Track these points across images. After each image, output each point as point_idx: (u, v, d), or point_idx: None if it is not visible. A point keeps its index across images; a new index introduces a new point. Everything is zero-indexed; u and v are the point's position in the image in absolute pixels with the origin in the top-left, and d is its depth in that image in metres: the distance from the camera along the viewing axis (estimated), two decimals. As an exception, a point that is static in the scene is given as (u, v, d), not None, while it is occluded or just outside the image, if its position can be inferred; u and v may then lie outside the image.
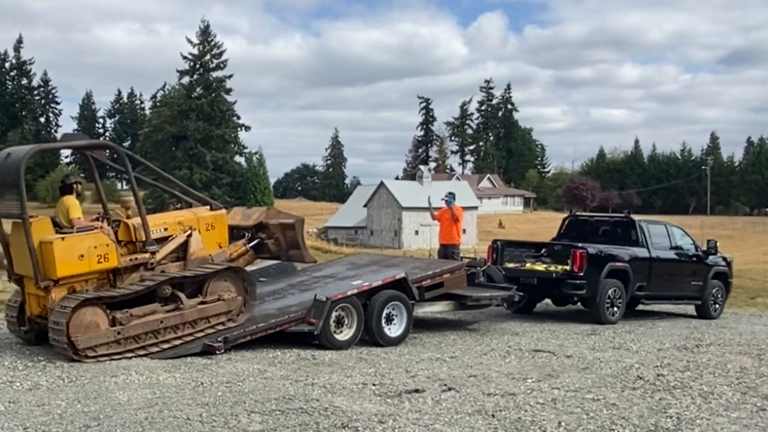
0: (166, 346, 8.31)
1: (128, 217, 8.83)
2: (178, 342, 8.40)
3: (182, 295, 8.53)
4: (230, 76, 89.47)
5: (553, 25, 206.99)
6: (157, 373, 7.32)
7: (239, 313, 8.92)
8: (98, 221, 8.70)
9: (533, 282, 12.82)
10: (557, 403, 6.58)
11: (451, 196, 14.11)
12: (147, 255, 8.62)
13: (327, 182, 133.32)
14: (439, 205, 14.47)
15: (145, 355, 8.11)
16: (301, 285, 10.64)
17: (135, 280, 8.49)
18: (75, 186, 8.82)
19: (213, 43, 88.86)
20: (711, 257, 14.61)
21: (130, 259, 8.52)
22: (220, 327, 8.74)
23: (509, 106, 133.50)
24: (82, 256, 8.01)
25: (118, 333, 8.01)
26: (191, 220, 9.33)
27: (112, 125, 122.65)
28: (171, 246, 8.91)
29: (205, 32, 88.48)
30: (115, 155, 9.71)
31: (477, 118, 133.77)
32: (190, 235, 9.10)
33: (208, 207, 9.78)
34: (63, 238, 8.02)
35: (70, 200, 8.60)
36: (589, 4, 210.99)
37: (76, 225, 8.30)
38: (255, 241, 10.23)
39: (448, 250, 13.61)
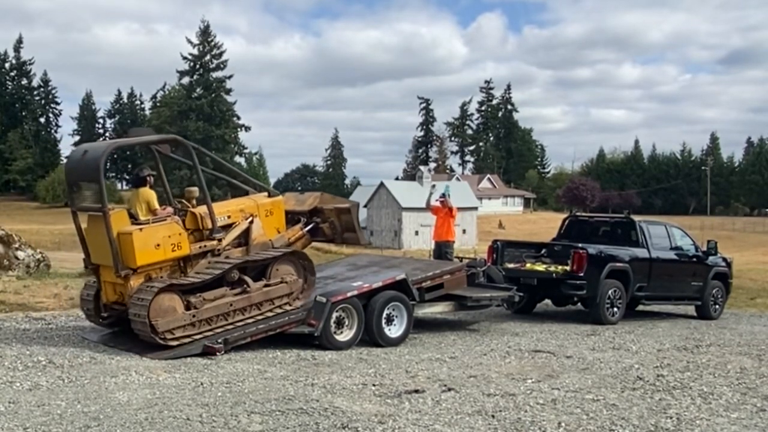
0: (234, 327, 8.71)
1: (193, 207, 9.22)
2: (245, 323, 8.81)
3: (248, 279, 8.95)
4: (230, 77, 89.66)
5: (552, 25, 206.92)
6: (157, 373, 7.32)
7: (299, 294, 9.30)
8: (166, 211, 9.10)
9: (533, 282, 12.83)
10: (557, 403, 6.58)
11: (446, 193, 14.11)
12: (214, 242, 9.01)
13: (327, 182, 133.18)
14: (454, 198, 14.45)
15: (214, 336, 8.49)
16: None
17: (203, 267, 8.89)
18: (148, 178, 9.14)
19: (213, 43, 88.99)
20: (711, 258, 14.61)
21: (199, 247, 8.91)
22: (284, 308, 9.14)
23: (509, 107, 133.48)
24: (158, 245, 8.45)
25: (193, 316, 8.46)
26: (252, 207, 9.71)
27: (112, 125, 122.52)
28: (235, 232, 9.31)
29: (205, 32, 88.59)
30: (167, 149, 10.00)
31: (477, 119, 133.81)
32: (251, 222, 9.48)
33: (266, 194, 10.15)
34: (141, 229, 8.43)
35: (149, 192, 9.00)
36: (587, 4, 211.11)
37: (160, 214, 8.78)
38: (310, 226, 10.58)
39: (441, 249, 13.62)
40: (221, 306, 8.68)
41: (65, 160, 9.04)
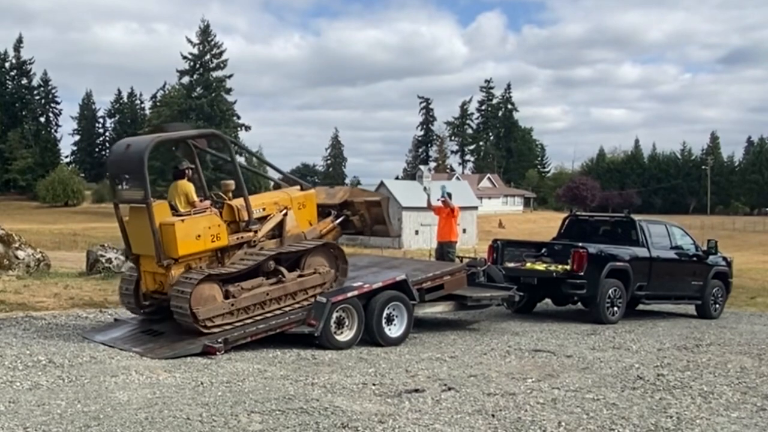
0: (270, 315, 8.97)
1: (229, 199, 9.44)
2: (279, 312, 9.06)
3: (284, 270, 9.20)
4: (230, 76, 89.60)
5: (551, 24, 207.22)
6: (157, 373, 7.32)
7: (332, 285, 9.52)
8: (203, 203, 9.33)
9: (533, 282, 12.82)
10: (557, 403, 6.58)
11: (447, 193, 14.16)
12: (251, 233, 9.29)
13: (327, 182, 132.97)
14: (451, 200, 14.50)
15: (250, 324, 8.78)
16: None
17: (239, 257, 9.15)
18: (187, 171, 9.38)
19: (213, 42, 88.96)
20: (711, 257, 14.61)
21: (236, 238, 9.18)
22: (311, 301, 9.31)
23: (509, 106, 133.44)
24: (198, 236, 8.71)
25: (232, 305, 8.73)
26: (285, 199, 9.97)
27: (112, 125, 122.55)
28: (270, 224, 9.58)
29: (205, 32, 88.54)
30: (209, 143, 10.47)
31: (477, 118, 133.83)
32: (285, 214, 9.73)
33: (299, 187, 10.35)
34: (183, 220, 8.67)
35: (188, 185, 9.24)
36: (586, 4, 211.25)
37: (198, 207, 9.02)
38: (341, 218, 10.78)
39: (444, 249, 13.66)
40: (258, 295, 8.93)
41: (108, 154, 9.53)
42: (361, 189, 12.39)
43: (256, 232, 9.32)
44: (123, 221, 9.20)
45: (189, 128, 10.20)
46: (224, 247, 9.00)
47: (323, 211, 10.69)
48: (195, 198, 9.13)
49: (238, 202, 9.35)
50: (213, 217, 8.93)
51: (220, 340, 8.44)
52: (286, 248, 9.47)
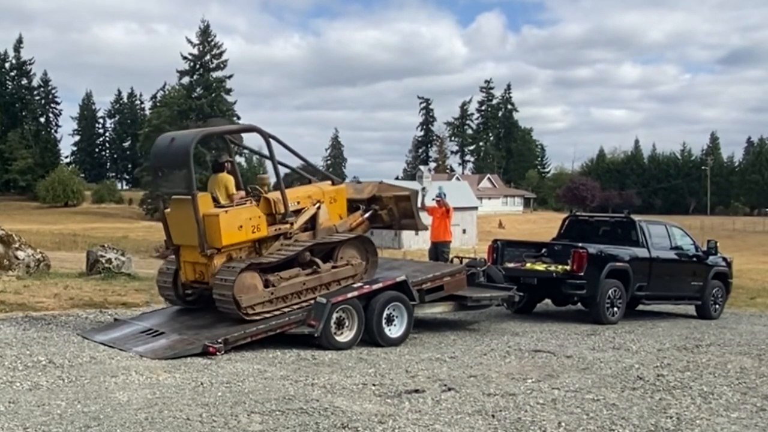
0: (305, 305, 9.24)
1: (265, 192, 9.77)
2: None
3: (319, 261, 9.54)
4: (230, 77, 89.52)
5: (551, 25, 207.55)
6: (157, 373, 7.32)
7: (363, 276, 9.83)
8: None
9: (533, 282, 12.82)
10: (557, 403, 6.58)
11: (442, 193, 14.24)
12: (287, 225, 9.59)
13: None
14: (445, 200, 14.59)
15: (290, 313, 9.08)
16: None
17: (276, 248, 9.47)
18: (226, 165, 9.71)
19: (213, 43, 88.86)
20: (711, 257, 14.61)
21: (274, 229, 9.48)
22: None
23: (509, 106, 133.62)
24: (240, 227, 9.02)
25: (271, 293, 9.05)
26: (318, 194, 10.26)
27: (112, 125, 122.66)
28: (305, 217, 9.89)
29: (205, 32, 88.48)
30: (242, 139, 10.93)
31: (477, 118, 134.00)
32: (319, 208, 10.05)
33: (330, 182, 10.67)
34: (226, 212, 8.98)
35: (228, 177, 9.59)
36: (585, 4, 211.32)
37: (236, 199, 9.34)
38: (369, 212, 11.04)
39: (438, 249, 13.69)
40: (295, 285, 9.23)
41: (152, 147, 9.77)
42: (389, 184, 12.58)
43: (292, 224, 9.59)
44: (164, 213, 9.49)
45: (227, 123, 10.51)
46: (263, 238, 9.28)
47: (351, 205, 10.90)
48: (234, 190, 9.45)
49: (274, 195, 9.64)
50: (254, 209, 9.23)
51: (220, 340, 8.45)
52: (323, 239, 9.76)
